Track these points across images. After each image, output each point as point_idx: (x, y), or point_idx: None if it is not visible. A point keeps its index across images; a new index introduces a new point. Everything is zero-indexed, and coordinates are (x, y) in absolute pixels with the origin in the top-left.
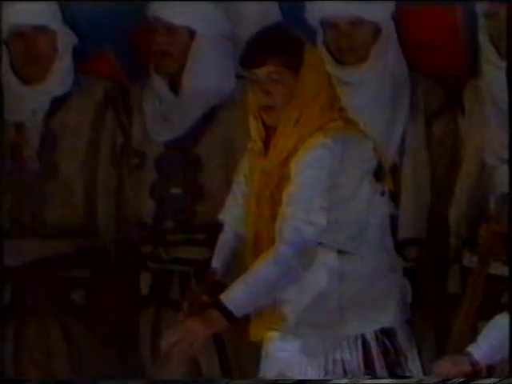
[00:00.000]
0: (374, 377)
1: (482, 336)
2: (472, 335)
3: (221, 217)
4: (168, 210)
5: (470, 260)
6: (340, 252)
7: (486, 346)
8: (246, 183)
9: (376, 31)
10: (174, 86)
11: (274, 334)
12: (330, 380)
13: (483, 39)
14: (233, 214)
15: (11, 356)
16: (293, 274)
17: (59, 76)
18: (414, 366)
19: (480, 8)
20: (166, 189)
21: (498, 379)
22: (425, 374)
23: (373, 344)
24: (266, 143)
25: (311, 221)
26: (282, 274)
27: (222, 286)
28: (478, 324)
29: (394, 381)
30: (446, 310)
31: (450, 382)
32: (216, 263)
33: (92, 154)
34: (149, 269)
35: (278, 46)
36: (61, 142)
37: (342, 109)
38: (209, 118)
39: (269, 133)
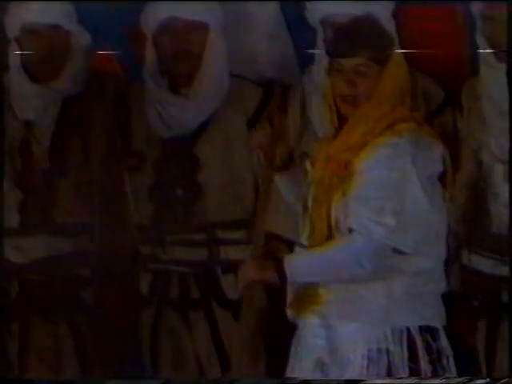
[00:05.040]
0: (418, 374)
1: None
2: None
3: None
4: (167, 211)
5: (469, 259)
6: (395, 250)
7: None
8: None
9: None
10: (183, 86)
11: (314, 319)
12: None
13: (480, 41)
14: None
15: (17, 354)
16: (360, 272)
17: (72, 75)
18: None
19: (477, 9)
20: (165, 190)
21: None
22: (460, 375)
23: (418, 339)
24: (338, 131)
25: (382, 222)
26: (349, 262)
27: None
28: (477, 324)
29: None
30: (446, 310)
31: (454, 381)
32: None
33: (94, 154)
34: (148, 269)
35: (370, 40)
36: (71, 141)
37: (413, 109)
38: (208, 118)
39: (341, 121)
